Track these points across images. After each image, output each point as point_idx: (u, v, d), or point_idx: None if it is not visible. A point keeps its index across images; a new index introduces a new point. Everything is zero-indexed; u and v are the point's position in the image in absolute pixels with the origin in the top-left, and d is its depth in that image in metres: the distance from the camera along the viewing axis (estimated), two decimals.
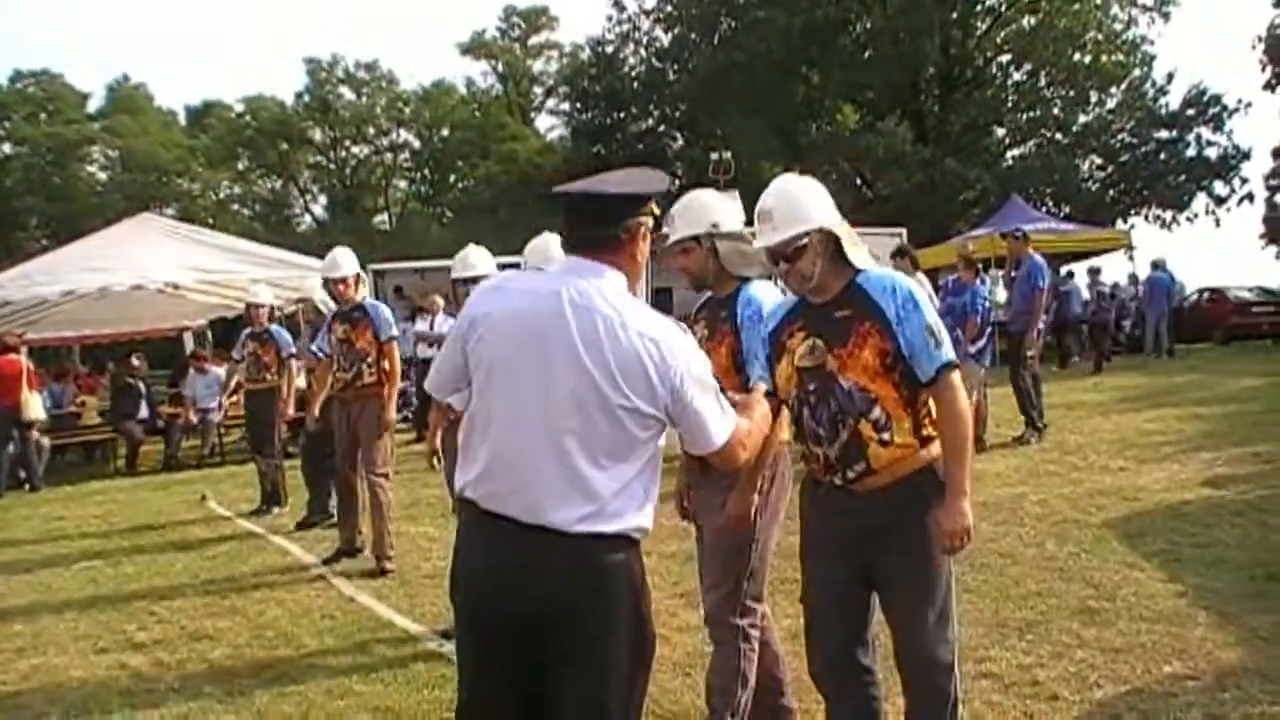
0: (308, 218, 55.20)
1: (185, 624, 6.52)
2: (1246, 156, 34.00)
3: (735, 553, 3.86)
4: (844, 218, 3.42)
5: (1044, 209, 29.88)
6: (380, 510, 7.48)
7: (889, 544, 3.31)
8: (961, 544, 3.24)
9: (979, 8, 36.05)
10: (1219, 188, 33.76)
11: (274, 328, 10.20)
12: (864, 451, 3.28)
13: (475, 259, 6.09)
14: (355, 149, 55.26)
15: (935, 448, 3.32)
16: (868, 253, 3.45)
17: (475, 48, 53.30)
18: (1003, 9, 35.92)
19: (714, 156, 30.80)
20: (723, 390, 2.82)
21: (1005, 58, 37.90)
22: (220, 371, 15.14)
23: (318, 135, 53.61)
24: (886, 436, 3.26)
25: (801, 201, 3.37)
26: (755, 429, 2.91)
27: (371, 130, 54.17)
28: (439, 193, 54.73)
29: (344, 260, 7.70)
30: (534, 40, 54.19)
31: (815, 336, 3.35)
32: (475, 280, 5.86)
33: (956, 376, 3.27)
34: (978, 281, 10.78)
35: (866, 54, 36.84)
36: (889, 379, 3.25)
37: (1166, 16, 34.97)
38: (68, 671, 5.76)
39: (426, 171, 55.35)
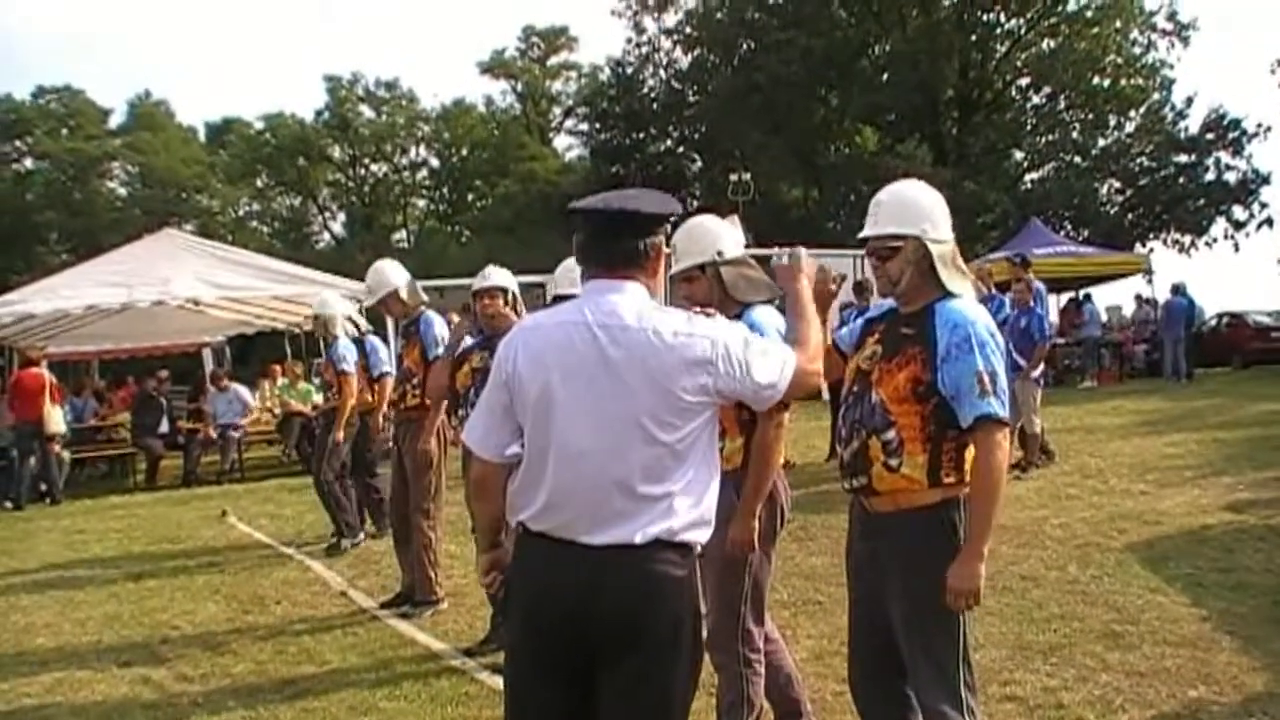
0: (326, 235, 55.41)
1: (207, 639, 6.53)
2: (1266, 181, 34.02)
3: (730, 577, 3.86)
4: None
5: (1063, 232, 29.87)
6: (420, 552, 6.87)
7: (892, 583, 3.25)
8: (968, 606, 3.15)
9: (998, 31, 36.28)
10: (1238, 212, 33.81)
11: (336, 343, 8.85)
12: (869, 468, 3.24)
13: (493, 271, 6.04)
14: (374, 167, 55.39)
15: (948, 493, 3.22)
16: (970, 283, 3.37)
17: (495, 67, 53.51)
18: (1022, 32, 36.13)
19: (733, 178, 31.15)
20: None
21: (1024, 81, 38.16)
22: (242, 389, 15.26)
23: (337, 153, 53.79)
24: (894, 463, 3.19)
25: (911, 205, 3.29)
26: (814, 350, 2.89)
27: (390, 148, 54.34)
28: (457, 211, 54.91)
29: (389, 273, 7.17)
30: (553, 60, 54.40)
31: (881, 344, 3.34)
32: (491, 291, 5.88)
33: (1001, 434, 3.15)
34: (1032, 303, 10.67)
35: (885, 76, 37.10)
36: (916, 409, 3.18)
37: (1186, 41, 35.15)
38: (91, 685, 5.76)
39: (445, 190, 55.55)
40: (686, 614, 2.71)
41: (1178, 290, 21.35)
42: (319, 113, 52.29)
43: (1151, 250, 28.66)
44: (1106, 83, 35.49)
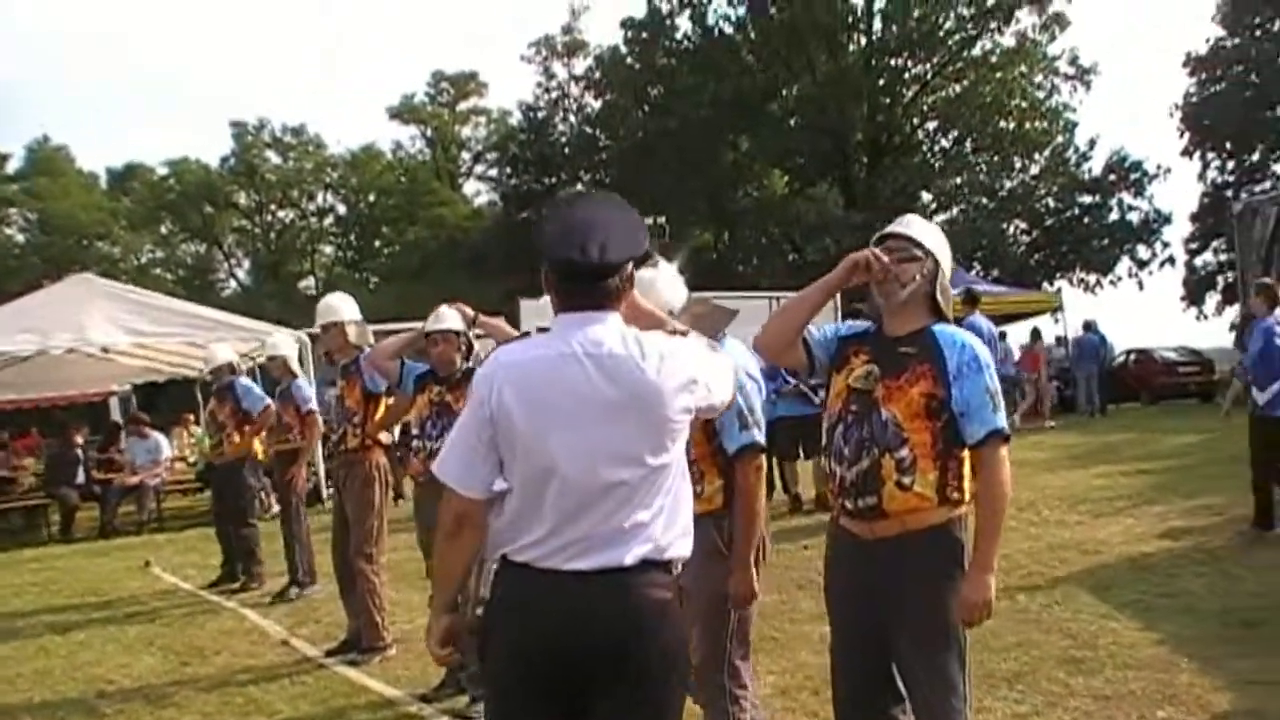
0: (232, 283, 54.47)
1: (148, 692, 6.30)
2: (1167, 221, 35.29)
3: (715, 612, 3.81)
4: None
5: (973, 272, 30.48)
6: (364, 597, 6.72)
7: (896, 608, 3.27)
8: (981, 618, 3.21)
9: (906, 75, 36.98)
10: (1141, 251, 34.92)
11: (295, 383, 8.92)
12: (880, 487, 3.25)
13: (446, 313, 5.96)
14: (281, 213, 54.62)
15: (955, 511, 3.28)
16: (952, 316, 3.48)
17: (404, 112, 53.25)
18: (929, 77, 36.86)
19: (646, 221, 31.26)
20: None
21: (932, 124, 38.84)
22: (160, 438, 14.87)
23: (243, 199, 53.00)
24: (907, 480, 3.22)
25: (937, 234, 3.47)
26: None
27: (297, 194, 53.72)
28: (365, 258, 54.33)
29: (340, 304, 7.01)
30: (462, 105, 54.29)
31: (875, 363, 3.36)
32: (445, 334, 5.79)
33: (1005, 449, 3.24)
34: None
35: (795, 120, 37.55)
36: (928, 425, 3.23)
37: (1088, 85, 36.26)
38: None
39: (352, 237, 54.96)
40: (675, 638, 2.70)
41: (1089, 327, 21.91)
42: (225, 159, 51.47)
43: (1059, 289, 29.34)
44: (1012, 126, 36.30)
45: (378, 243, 53.81)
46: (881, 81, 36.61)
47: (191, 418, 18.73)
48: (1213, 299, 35.60)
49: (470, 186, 55.27)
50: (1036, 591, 6.92)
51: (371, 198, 53.23)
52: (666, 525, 2.67)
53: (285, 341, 8.96)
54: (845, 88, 35.15)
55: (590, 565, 2.61)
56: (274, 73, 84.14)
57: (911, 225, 3.46)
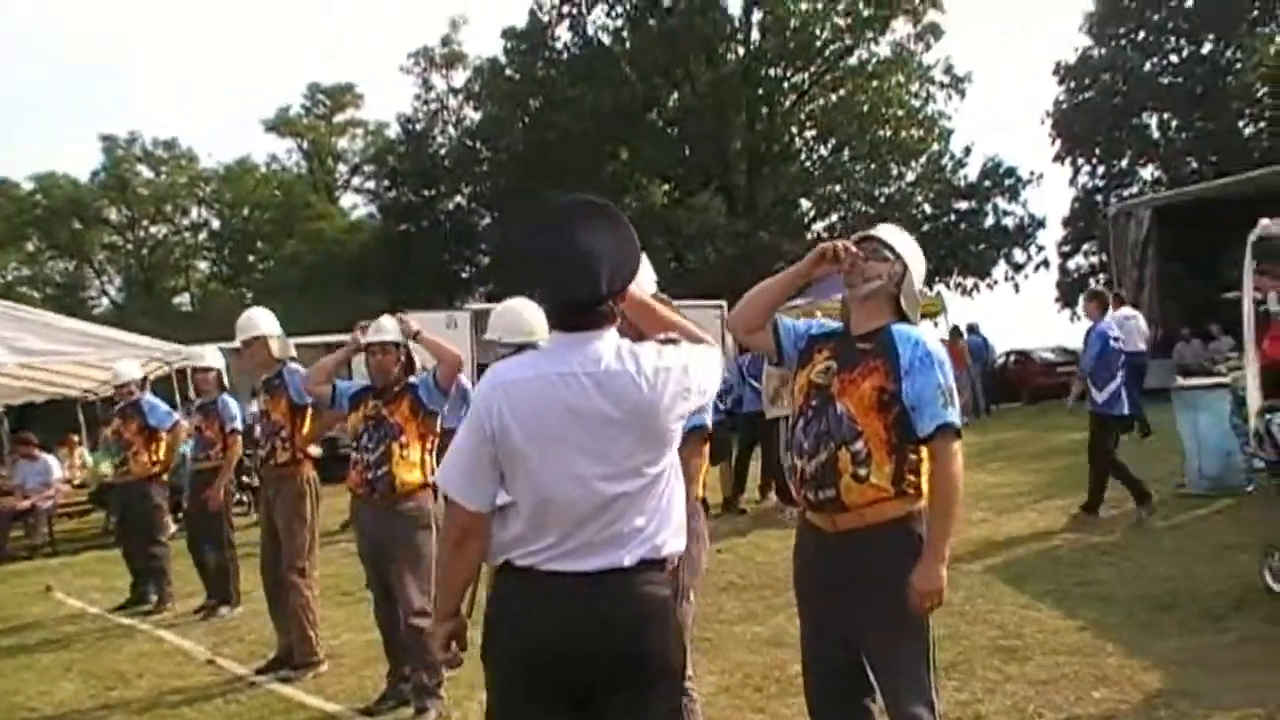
0: (104, 300, 52.81)
1: (75, 719, 6.17)
2: (1041, 225, 36.42)
3: None
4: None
5: None
6: (297, 612, 6.63)
7: (862, 600, 3.37)
8: (933, 605, 3.31)
9: (785, 85, 37.51)
10: (1017, 255, 35.99)
11: (221, 398, 8.74)
12: (837, 481, 3.36)
13: (387, 324, 5.93)
14: (154, 228, 53.30)
15: (912, 505, 3.39)
16: (919, 320, 3.63)
17: (280, 125, 52.29)
18: (806, 86, 37.47)
19: None
20: None
21: (811, 133, 39.44)
22: (50, 459, 14.40)
23: (114, 214, 51.54)
24: (863, 472, 3.34)
25: (910, 244, 3.60)
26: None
27: (171, 209, 52.44)
28: (241, 273, 53.27)
29: (261, 319, 6.94)
30: (339, 118, 53.48)
31: (834, 359, 3.47)
32: (385, 345, 5.72)
33: (957, 444, 3.34)
34: None
35: (676, 130, 37.85)
36: (880, 418, 3.35)
37: (962, 93, 37.11)
38: None
39: (227, 251, 53.83)
40: (675, 634, 2.81)
41: (973, 330, 22.56)
42: (95, 173, 49.98)
43: (939, 293, 30.08)
44: (889, 134, 37.05)
45: (251, 257, 52.84)
46: (760, 91, 37.04)
47: (76, 438, 18.16)
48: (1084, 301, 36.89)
49: (348, 199, 54.54)
50: (957, 586, 7.07)
51: (246, 212, 52.18)
52: (661, 525, 2.75)
53: (215, 355, 8.78)
54: (724, 97, 35.53)
55: (592, 566, 2.68)
56: (145, 85, 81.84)
57: (886, 230, 3.60)
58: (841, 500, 3.36)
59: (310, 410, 6.74)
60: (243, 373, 12.45)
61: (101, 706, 6.36)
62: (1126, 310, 14.78)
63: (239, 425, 8.63)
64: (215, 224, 53.62)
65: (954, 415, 3.36)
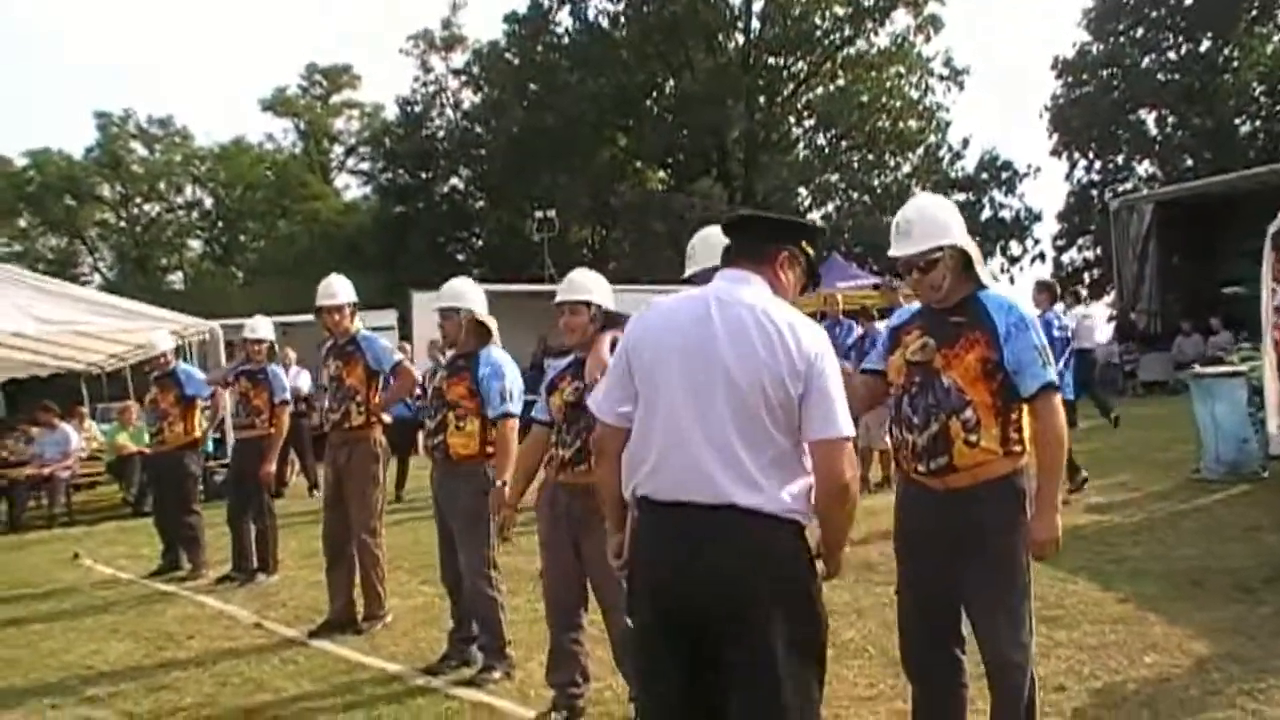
0: (96, 277, 52.60)
1: (133, 675, 6.21)
2: (1038, 218, 36.74)
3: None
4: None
5: (853, 266, 31.28)
6: (369, 570, 6.87)
7: (968, 551, 3.55)
8: (1051, 553, 3.56)
9: (784, 74, 37.66)
10: (1014, 247, 36.28)
11: (271, 368, 8.91)
12: (950, 447, 3.53)
13: (463, 288, 6.02)
14: (147, 206, 53.15)
15: (1018, 461, 3.57)
16: (990, 273, 3.73)
17: (276, 104, 52.21)
18: (806, 75, 37.65)
19: (538, 215, 31.31)
20: None
21: (810, 122, 39.64)
22: (69, 429, 14.47)
23: (107, 191, 51.36)
24: (973, 438, 3.51)
25: (939, 217, 3.65)
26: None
27: (165, 186, 52.28)
28: (234, 252, 53.20)
29: (340, 287, 7.01)
30: (335, 98, 53.42)
31: (929, 336, 3.62)
32: (454, 310, 5.86)
33: (1058, 399, 3.53)
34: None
35: (676, 117, 37.98)
36: (987, 386, 3.52)
37: (961, 86, 37.38)
38: None
39: (219, 230, 53.73)
40: (793, 579, 2.85)
41: None
42: (89, 150, 49.82)
43: None
44: (888, 124, 37.41)
45: (244, 237, 52.75)
46: (760, 80, 37.25)
47: (85, 410, 18.19)
48: (1080, 294, 37.23)
49: (341, 180, 54.55)
50: None
51: (240, 191, 52.06)
52: (779, 479, 2.81)
53: (267, 327, 8.90)
54: (724, 85, 35.70)
55: (708, 499, 2.80)
56: (141, 63, 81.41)
57: (915, 237, 3.62)
58: (954, 465, 3.55)
59: (382, 375, 6.97)
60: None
61: (158, 665, 6.42)
62: (1083, 309, 15.68)
63: (288, 396, 8.79)
64: (209, 203, 53.50)
65: (1052, 373, 3.54)
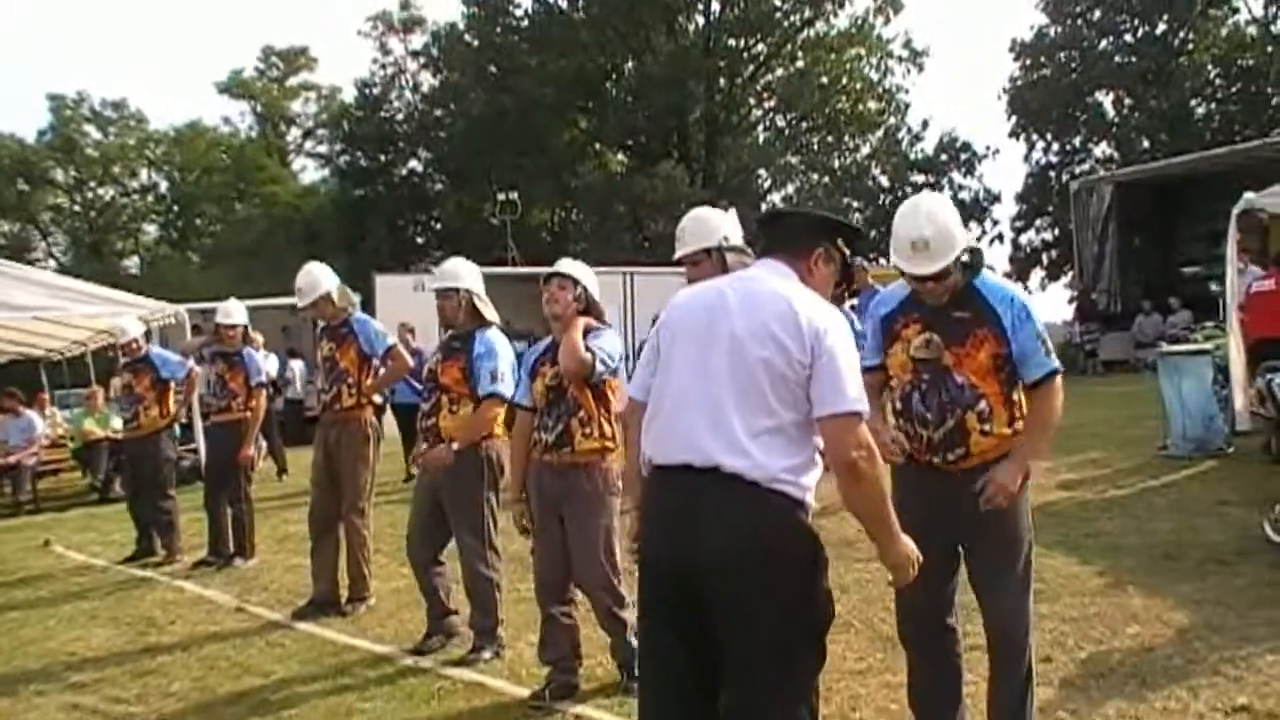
0: (51, 262, 51.88)
1: (118, 660, 6.17)
2: (996, 199, 37.03)
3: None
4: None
5: None
6: (355, 551, 6.95)
7: (976, 524, 3.65)
8: (1003, 502, 3.57)
9: (744, 56, 37.69)
10: (973, 228, 36.46)
11: (246, 350, 8.91)
12: (967, 439, 3.63)
13: (462, 269, 5.97)
14: (102, 190, 52.61)
15: (1017, 439, 3.68)
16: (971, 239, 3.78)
17: (233, 87, 51.74)
18: (766, 58, 37.69)
19: (500, 197, 31.18)
20: None
21: (770, 104, 39.71)
22: (34, 416, 14.32)
23: (60, 176, 50.77)
24: (988, 428, 3.62)
25: (952, 230, 3.62)
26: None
27: (119, 170, 51.71)
28: (190, 236, 52.71)
29: (321, 276, 7.03)
30: (292, 81, 53.03)
31: (932, 331, 3.67)
32: (453, 290, 5.85)
33: (1059, 382, 3.65)
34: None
35: (636, 99, 37.93)
36: (997, 378, 3.63)
37: (921, 68, 37.58)
38: (22, 716, 5.36)
39: (175, 214, 53.18)
40: (783, 552, 2.84)
41: None
42: (42, 133, 49.23)
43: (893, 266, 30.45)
44: (848, 106, 37.57)
45: (199, 221, 52.29)
46: (720, 62, 37.22)
47: (47, 398, 18.01)
48: (1037, 275, 37.75)
49: (299, 163, 54.19)
50: None
51: (196, 175, 51.57)
52: (777, 453, 2.83)
53: (240, 310, 8.84)
54: (684, 67, 35.62)
55: (702, 462, 2.84)
56: (95, 45, 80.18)
57: (934, 255, 3.57)
58: (970, 453, 3.66)
59: (375, 360, 6.99)
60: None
61: (142, 651, 6.38)
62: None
63: (264, 380, 8.78)
64: (164, 186, 52.99)
65: (1054, 360, 3.67)
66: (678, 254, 4.40)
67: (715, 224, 4.40)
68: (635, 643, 3.62)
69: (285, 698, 5.34)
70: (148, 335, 9.78)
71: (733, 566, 2.77)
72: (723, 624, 2.81)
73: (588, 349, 4.82)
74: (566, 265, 5.15)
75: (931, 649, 3.85)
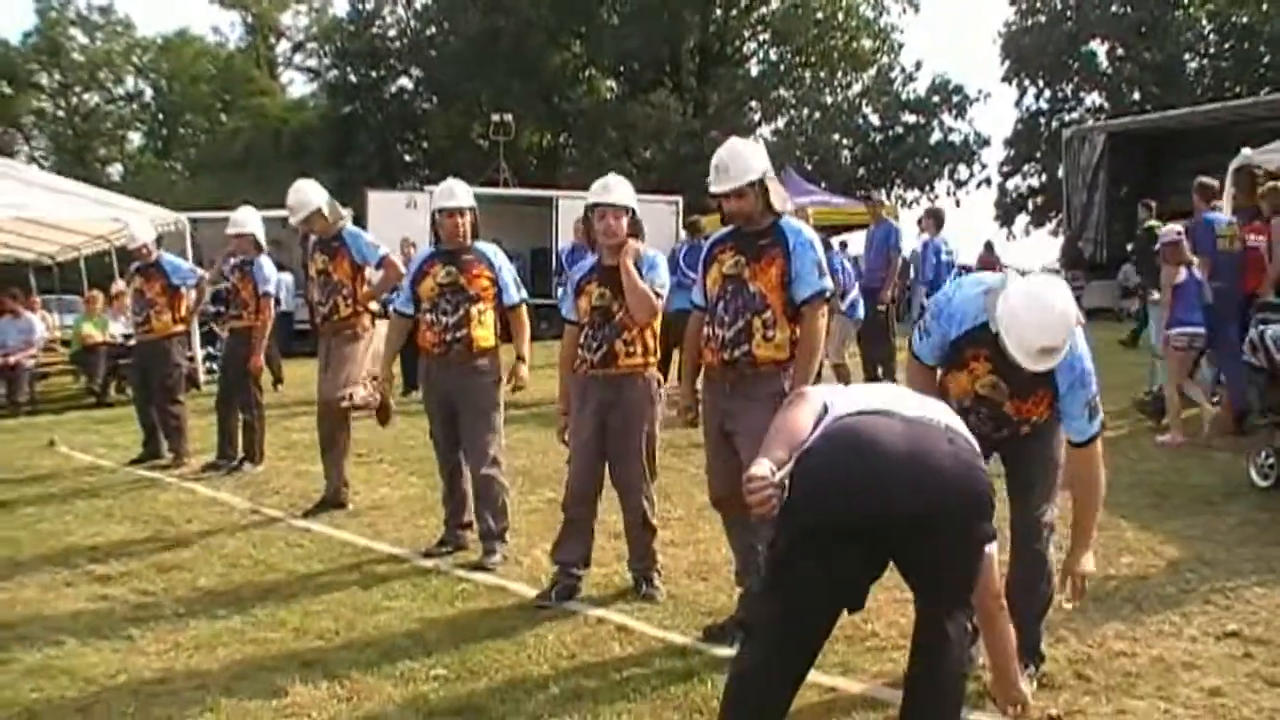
0: (34, 167, 51.26)
1: (140, 555, 6.29)
2: (986, 143, 37.16)
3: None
4: None
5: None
6: (337, 449, 7.30)
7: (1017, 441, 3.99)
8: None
9: None
10: (961, 171, 36.71)
11: (257, 260, 8.87)
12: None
13: (462, 189, 6.14)
14: (86, 96, 51.98)
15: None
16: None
17: None
18: None
19: (494, 118, 31.02)
20: None
21: (764, 37, 39.52)
22: (33, 317, 14.37)
23: (45, 80, 50.16)
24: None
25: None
26: None
27: (105, 76, 51.07)
28: (175, 146, 52.23)
29: (312, 193, 7.24)
30: None
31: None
32: (460, 210, 6.02)
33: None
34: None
35: (630, 25, 37.63)
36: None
37: (916, 8, 37.45)
38: (54, 605, 5.44)
39: (160, 123, 52.62)
40: None
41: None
42: (27, 35, 48.62)
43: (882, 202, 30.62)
44: (842, 43, 37.46)
45: (184, 131, 51.79)
46: None
47: (37, 300, 18.00)
48: (1022, 220, 37.98)
49: (288, 76, 53.64)
50: None
51: (184, 84, 50.96)
52: None
53: (252, 218, 8.89)
54: None
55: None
56: None
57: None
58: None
59: (368, 268, 7.23)
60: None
61: (163, 548, 6.49)
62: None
63: (271, 289, 8.86)
64: (150, 94, 52.44)
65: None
66: (720, 188, 4.50)
67: (754, 157, 4.54)
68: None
69: (311, 593, 5.51)
70: (159, 241, 9.82)
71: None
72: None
73: (654, 292, 5.06)
74: (617, 191, 5.18)
75: None
